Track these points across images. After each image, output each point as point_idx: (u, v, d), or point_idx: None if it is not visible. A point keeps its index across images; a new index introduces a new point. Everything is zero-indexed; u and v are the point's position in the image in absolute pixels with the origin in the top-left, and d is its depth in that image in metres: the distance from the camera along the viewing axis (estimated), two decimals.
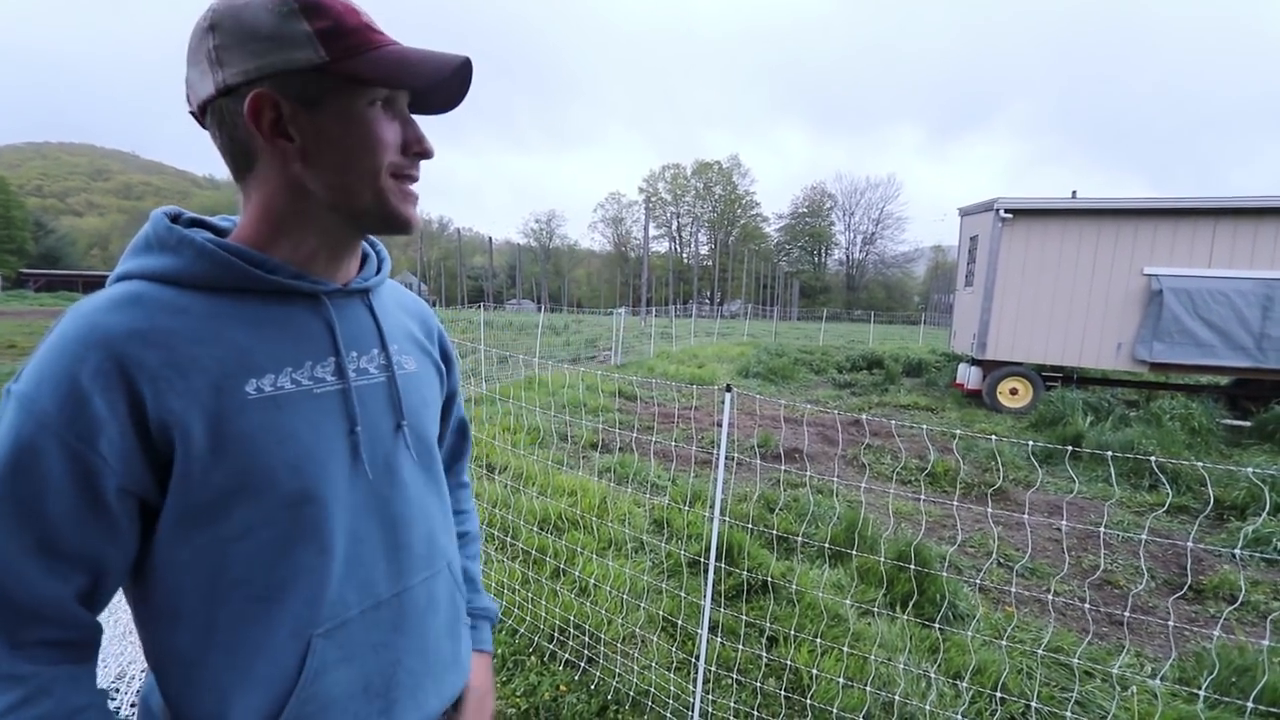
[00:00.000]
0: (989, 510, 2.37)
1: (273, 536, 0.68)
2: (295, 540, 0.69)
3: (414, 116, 0.77)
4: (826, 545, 3.20)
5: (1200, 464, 1.80)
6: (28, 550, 0.61)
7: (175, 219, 0.75)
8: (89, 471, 0.61)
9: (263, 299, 0.72)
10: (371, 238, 0.90)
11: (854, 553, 2.97)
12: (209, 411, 0.65)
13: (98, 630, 0.69)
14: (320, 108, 0.69)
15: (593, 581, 3.01)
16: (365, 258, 0.87)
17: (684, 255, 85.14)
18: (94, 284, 51.88)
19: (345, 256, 0.79)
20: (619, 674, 2.46)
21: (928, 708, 2.28)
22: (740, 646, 2.59)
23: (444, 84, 0.74)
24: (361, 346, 0.79)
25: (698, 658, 2.23)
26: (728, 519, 3.61)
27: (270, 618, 0.69)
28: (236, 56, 0.66)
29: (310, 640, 0.70)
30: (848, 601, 2.80)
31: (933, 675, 2.47)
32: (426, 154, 0.76)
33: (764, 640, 2.75)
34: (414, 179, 0.77)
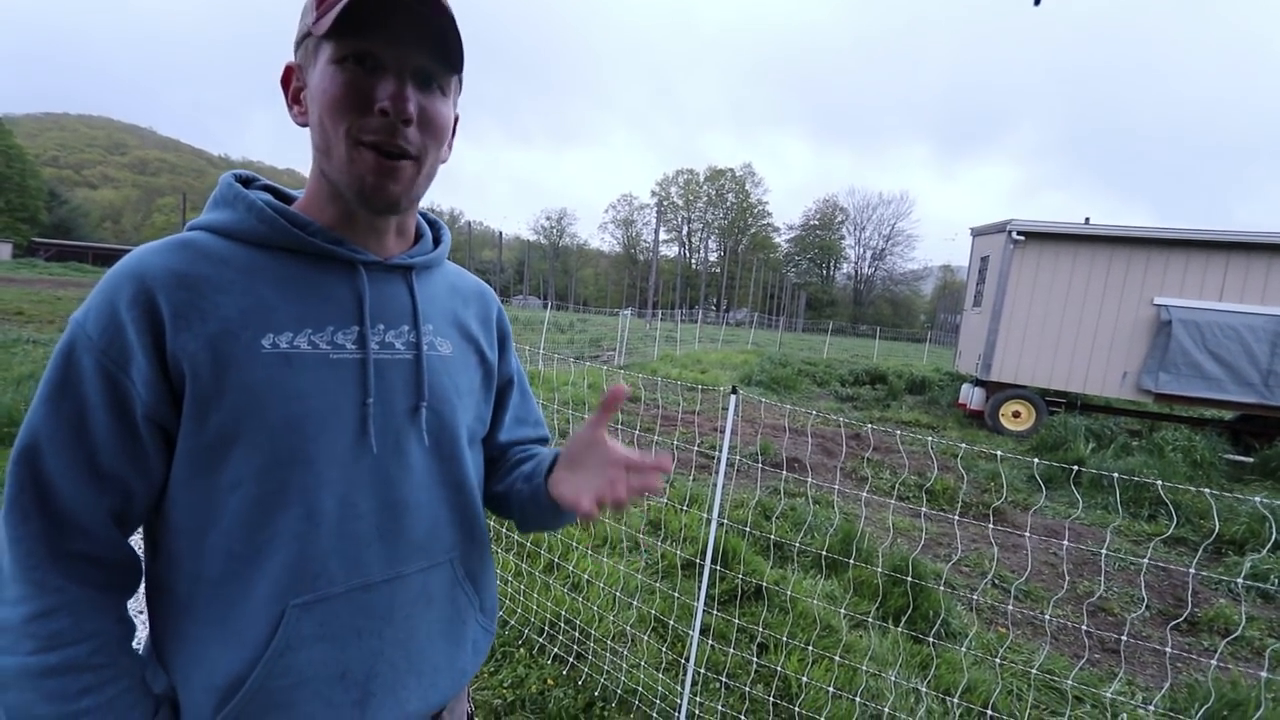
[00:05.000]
0: (990, 527, 2.36)
1: (260, 493, 0.67)
2: (281, 501, 0.68)
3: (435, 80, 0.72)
4: (823, 554, 3.18)
5: (1208, 491, 1.78)
6: (72, 464, 0.64)
7: (247, 182, 0.78)
8: (121, 395, 0.64)
9: (304, 261, 0.73)
10: (430, 215, 0.90)
11: (850, 562, 2.95)
12: (220, 355, 0.66)
13: (131, 556, 0.70)
14: (309, 72, 0.71)
15: (586, 577, 3.00)
16: (420, 235, 0.86)
17: (693, 261, 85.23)
18: (104, 256, 52.08)
19: (374, 229, 0.77)
20: (607, 671, 2.45)
21: None
22: (730, 650, 2.57)
23: (407, 27, 0.66)
24: (391, 321, 0.77)
25: (687, 659, 2.21)
26: (725, 522, 3.60)
27: (249, 577, 0.67)
28: (297, 34, 0.73)
29: (286, 609, 0.68)
30: (841, 612, 2.78)
31: (923, 690, 2.45)
32: (387, 112, 0.67)
33: (754, 646, 2.73)
34: (384, 148, 0.69)
